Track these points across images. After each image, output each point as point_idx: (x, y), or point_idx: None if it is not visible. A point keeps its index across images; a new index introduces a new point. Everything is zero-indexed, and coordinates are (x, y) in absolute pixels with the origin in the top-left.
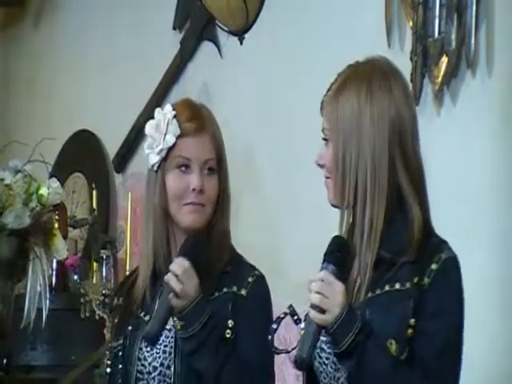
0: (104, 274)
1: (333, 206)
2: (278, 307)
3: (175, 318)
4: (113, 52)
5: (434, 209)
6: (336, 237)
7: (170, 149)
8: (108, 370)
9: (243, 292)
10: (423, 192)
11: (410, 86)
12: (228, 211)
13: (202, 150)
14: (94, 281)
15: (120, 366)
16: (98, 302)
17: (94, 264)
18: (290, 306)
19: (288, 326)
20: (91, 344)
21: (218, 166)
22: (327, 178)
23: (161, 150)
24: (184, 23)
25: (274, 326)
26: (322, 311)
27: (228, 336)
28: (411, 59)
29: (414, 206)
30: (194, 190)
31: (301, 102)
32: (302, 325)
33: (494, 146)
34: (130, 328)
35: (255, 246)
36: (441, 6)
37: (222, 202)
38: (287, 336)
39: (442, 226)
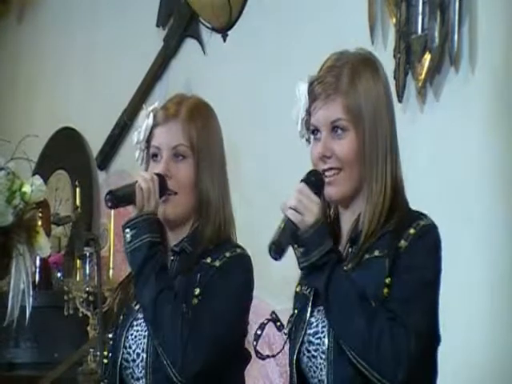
0: (87, 271)
1: (335, 201)
2: (263, 306)
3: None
4: (96, 49)
5: (419, 203)
6: (313, 170)
7: (149, 141)
8: (105, 360)
9: (217, 263)
10: (399, 165)
11: (394, 83)
12: (210, 202)
13: (171, 136)
14: (78, 278)
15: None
16: (81, 300)
17: (78, 261)
18: (273, 313)
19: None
20: (74, 341)
21: (193, 154)
22: (336, 169)
23: (137, 143)
24: (167, 20)
25: (258, 332)
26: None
27: (194, 303)
28: (394, 56)
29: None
30: None
31: (284, 98)
32: (285, 330)
33: (477, 141)
34: (121, 318)
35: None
36: (424, 3)
37: (200, 192)
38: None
39: None
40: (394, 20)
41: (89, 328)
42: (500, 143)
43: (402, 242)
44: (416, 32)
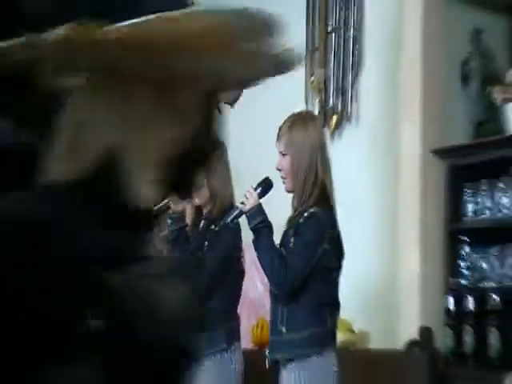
0: None
1: (288, 191)
2: (244, 299)
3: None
4: None
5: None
6: (266, 178)
7: None
8: None
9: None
10: (318, 177)
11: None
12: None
13: None
14: None
15: None
16: None
17: None
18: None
19: None
20: None
21: None
22: (283, 178)
23: None
24: None
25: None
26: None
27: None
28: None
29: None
30: None
31: (258, 87)
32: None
33: (364, 161)
34: None
35: None
36: (336, 89)
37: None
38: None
39: None
40: (318, 99)
41: None
42: (377, 161)
43: (301, 220)
44: (328, 105)
